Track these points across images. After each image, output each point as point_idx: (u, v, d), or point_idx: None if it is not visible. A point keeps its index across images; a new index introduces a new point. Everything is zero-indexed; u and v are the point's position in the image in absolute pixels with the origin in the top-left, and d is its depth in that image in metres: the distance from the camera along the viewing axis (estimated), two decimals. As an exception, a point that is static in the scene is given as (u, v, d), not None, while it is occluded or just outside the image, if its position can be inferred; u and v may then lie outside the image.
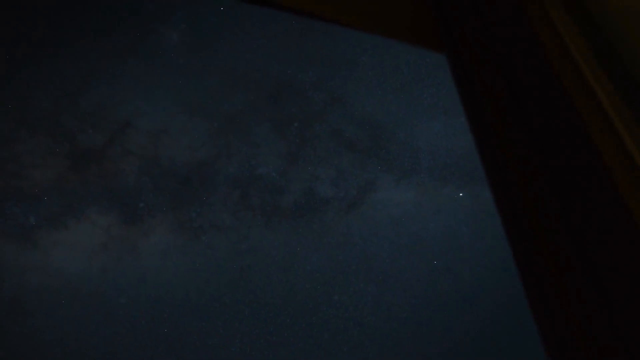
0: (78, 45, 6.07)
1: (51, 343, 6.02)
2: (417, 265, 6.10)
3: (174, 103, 6.10)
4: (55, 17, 6.17)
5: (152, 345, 6.02)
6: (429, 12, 1.34)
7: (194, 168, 6.13)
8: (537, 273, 0.78)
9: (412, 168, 6.20)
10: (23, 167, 6.07)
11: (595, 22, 0.93)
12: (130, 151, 6.08)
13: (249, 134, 6.13)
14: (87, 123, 6.09)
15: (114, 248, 6.10)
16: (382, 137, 6.22)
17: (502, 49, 1.01)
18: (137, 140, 6.09)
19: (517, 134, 0.91)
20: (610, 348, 0.64)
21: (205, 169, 6.13)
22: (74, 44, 6.06)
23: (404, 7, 1.43)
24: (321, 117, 6.10)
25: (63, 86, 6.08)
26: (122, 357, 6.02)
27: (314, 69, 6.07)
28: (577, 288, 0.71)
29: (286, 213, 6.13)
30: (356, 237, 6.15)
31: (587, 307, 0.68)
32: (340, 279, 6.15)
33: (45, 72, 6.03)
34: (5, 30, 6.10)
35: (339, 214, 6.15)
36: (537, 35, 0.96)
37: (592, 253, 0.70)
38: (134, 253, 6.11)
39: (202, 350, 6.09)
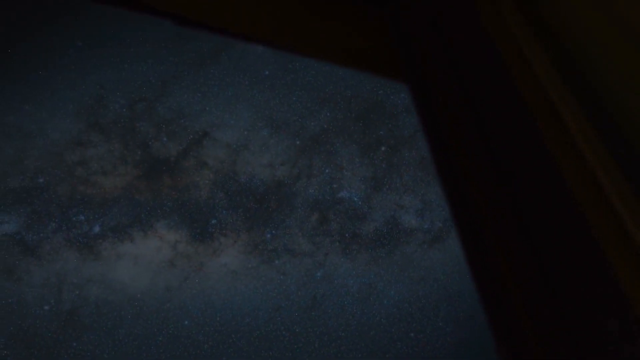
0: (159, 48, 5.70)
1: (108, 362, 5.64)
2: (501, 307, 5.69)
3: (256, 117, 5.70)
4: (137, 17, 5.80)
5: (216, 373, 5.62)
6: (391, 43, 1.28)
7: (272, 187, 5.72)
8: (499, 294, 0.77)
9: (501, 203, 5.79)
10: (92, 172, 5.69)
11: (568, 52, 0.86)
12: (206, 164, 5.68)
13: (333, 155, 5.72)
14: (163, 131, 5.70)
15: (180, 266, 5.69)
16: (473, 168, 5.81)
17: (467, 79, 0.95)
18: (214, 152, 5.69)
19: (482, 164, 0.87)
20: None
21: (284, 189, 5.72)
22: (155, 47, 5.69)
23: (366, 38, 1.36)
24: (411, 142, 5.69)
25: (140, 90, 5.70)
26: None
27: (407, 91, 5.66)
28: (537, 302, 0.71)
29: (366, 241, 5.72)
30: (438, 272, 5.74)
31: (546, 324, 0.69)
32: (418, 316, 5.74)
33: (122, 74, 5.65)
34: (81, 27, 5.75)
35: (422, 247, 5.73)
36: (508, 67, 0.89)
37: (553, 273, 0.70)
38: (202, 273, 5.70)
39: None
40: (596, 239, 0.67)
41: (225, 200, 5.48)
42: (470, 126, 0.92)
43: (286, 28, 1.36)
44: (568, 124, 0.77)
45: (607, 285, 0.64)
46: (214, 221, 5.49)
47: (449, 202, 0.93)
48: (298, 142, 5.49)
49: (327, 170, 5.51)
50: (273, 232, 5.49)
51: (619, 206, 0.68)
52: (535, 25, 0.92)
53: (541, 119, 0.80)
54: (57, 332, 5.45)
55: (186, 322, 5.46)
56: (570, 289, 0.69)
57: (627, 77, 0.79)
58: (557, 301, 0.70)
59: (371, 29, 1.36)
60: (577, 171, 0.73)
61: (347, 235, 5.52)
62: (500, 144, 0.86)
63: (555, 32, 0.90)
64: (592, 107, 0.79)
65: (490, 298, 0.80)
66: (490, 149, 0.86)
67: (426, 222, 5.55)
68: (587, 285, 0.67)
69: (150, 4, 1.30)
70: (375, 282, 5.54)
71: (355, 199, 5.52)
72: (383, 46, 1.34)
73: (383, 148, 5.50)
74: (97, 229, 5.48)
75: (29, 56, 5.35)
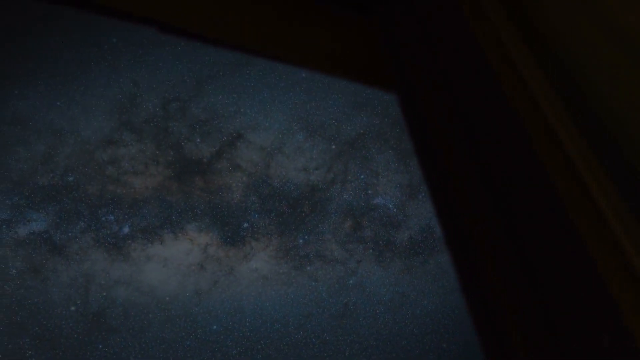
0: (195, 47, 5.59)
1: (135, 365, 5.51)
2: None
3: (292, 119, 5.58)
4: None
5: (244, 380, 5.49)
6: (380, 52, 1.25)
7: (306, 192, 5.60)
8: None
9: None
10: (123, 172, 5.57)
11: (558, 59, 0.83)
12: (239, 166, 5.57)
13: (369, 160, 5.60)
14: (196, 131, 5.58)
15: (211, 269, 5.56)
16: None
17: (457, 88, 0.92)
18: (247, 155, 5.56)
19: (473, 176, 0.84)
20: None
21: (318, 194, 5.60)
22: (190, 46, 5.58)
23: (354, 48, 1.33)
24: (448, 150, 5.57)
25: (175, 90, 5.59)
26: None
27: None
28: (531, 325, 0.68)
29: (400, 249, 5.60)
30: (473, 283, 5.62)
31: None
32: (451, 327, 5.62)
33: (157, 73, 5.54)
34: (116, 23, 5.64)
35: (456, 257, 5.61)
36: (498, 75, 0.86)
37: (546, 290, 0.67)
38: (232, 277, 5.57)
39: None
40: (594, 262, 0.64)
41: (258, 203, 5.37)
42: (460, 136, 0.89)
43: (274, 37, 1.33)
44: (560, 135, 0.74)
45: (604, 307, 0.61)
46: (245, 225, 5.38)
47: (438, 215, 0.89)
48: (333, 147, 5.38)
49: (362, 176, 5.40)
50: (305, 237, 5.39)
51: (617, 228, 0.64)
52: (525, 33, 0.89)
53: (533, 130, 0.77)
54: (83, 333, 5.35)
55: (215, 327, 5.35)
56: (566, 312, 0.66)
57: (618, 85, 0.75)
58: (551, 324, 0.67)
59: (360, 38, 1.33)
60: (570, 185, 0.70)
61: (381, 242, 5.41)
62: (491, 155, 0.83)
63: (547, 40, 0.87)
64: (584, 117, 0.75)
65: (483, 321, 0.77)
66: (481, 161, 0.84)
67: (462, 232, 5.45)
68: (584, 308, 0.64)
69: (131, 11, 1.26)
70: (408, 292, 5.43)
71: (391, 206, 5.41)
72: (372, 55, 1.32)
73: (420, 155, 5.39)
74: (126, 229, 5.37)
75: (62, 51, 5.25)
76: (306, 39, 1.34)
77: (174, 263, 5.36)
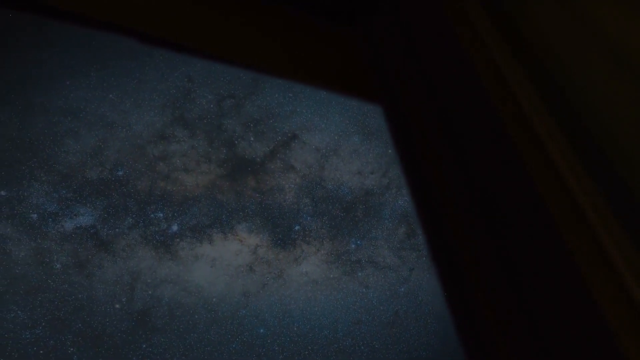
0: (249, 44, 5.46)
1: (179, 367, 5.38)
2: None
3: (348, 122, 5.46)
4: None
5: (292, 386, 5.35)
6: (363, 63, 1.24)
7: (360, 196, 5.46)
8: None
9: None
10: (174, 169, 5.44)
11: (545, 69, 0.82)
12: (293, 167, 5.44)
13: (426, 166, 5.47)
14: (250, 130, 5.46)
15: (260, 272, 5.44)
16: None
17: (443, 99, 0.92)
18: (302, 156, 5.44)
19: (457, 185, 0.84)
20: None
21: (373, 199, 5.48)
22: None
23: (339, 59, 1.33)
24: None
25: (230, 86, 5.46)
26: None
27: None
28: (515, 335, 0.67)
29: (453, 259, 5.48)
30: (527, 296, 5.49)
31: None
32: (502, 340, 5.51)
33: (212, 69, 5.42)
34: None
35: (511, 268, 5.48)
36: (482, 83, 0.84)
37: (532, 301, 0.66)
38: (282, 280, 5.45)
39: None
40: (591, 291, 0.61)
41: (311, 206, 5.24)
42: (447, 148, 0.88)
43: (256, 49, 1.33)
44: (549, 148, 0.73)
45: (603, 342, 0.58)
46: (297, 227, 5.25)
47: (425, 231, 0.87)
48: (390, 151, 5.26)
49: (418, 182, 5.28)
50: (358, 242, 5.25)
51: (610, 247, 0.62)
52: (514, 44, 0.88)
53: (521, 143, 0.76)
54: (127, 332, 5.22)
55: (262, 331, 5.22)
56: (563, 348, 0.62)
57: (611, 98, 0.74)
58: (543, 346, 0.64)
59: (342, 49, 1.33)
60: (560, 199, 0.68)
61: (434, 250, 5.29)
62: (479, 169, 0.81)
63: (536, 52, 0.86)
64: (575, 132, 0.74)
65: (476, 352, 0.72)
66: (469, 176, 0.82)
67: (518, 243, 5.33)
68: (582, 344, 0.60)
69: (112, 21, 1.23)
70: (460, 302, 5.30)
71: (446, 213, 5.29)
72: (355, 66, 1.31)
73: (478, 162, 5.27)
74: (175, 227, 5.24)
75: (116, 43, 5.13)
76: (287, 49, 1.34)
77: (222, 264, 5.23)
